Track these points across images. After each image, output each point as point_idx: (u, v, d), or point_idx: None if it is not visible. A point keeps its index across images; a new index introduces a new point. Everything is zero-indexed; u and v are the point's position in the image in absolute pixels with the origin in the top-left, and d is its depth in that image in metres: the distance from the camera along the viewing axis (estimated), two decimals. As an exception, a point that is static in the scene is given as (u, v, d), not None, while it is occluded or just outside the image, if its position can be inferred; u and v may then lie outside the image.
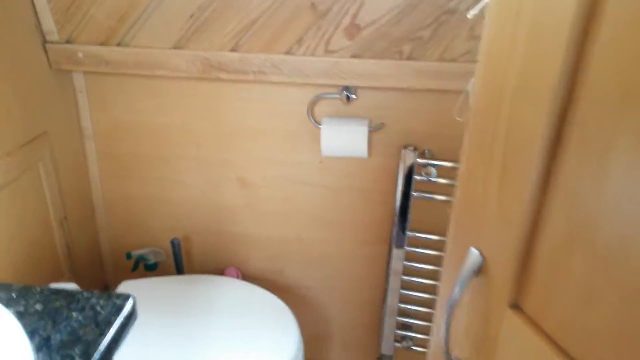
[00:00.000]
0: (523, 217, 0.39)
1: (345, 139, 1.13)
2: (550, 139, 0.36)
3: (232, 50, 1.08)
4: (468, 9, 0.99)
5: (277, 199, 1.28)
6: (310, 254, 1.33)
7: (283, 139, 1.21)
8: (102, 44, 1.11)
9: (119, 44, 1.11)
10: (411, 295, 1.27)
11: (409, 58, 1.05)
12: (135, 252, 1.38)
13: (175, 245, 1.31)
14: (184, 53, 1.09)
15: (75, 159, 1.24)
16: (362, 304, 1.38)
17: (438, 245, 1.22)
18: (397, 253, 1.23)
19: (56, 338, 0.53)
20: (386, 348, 1.36)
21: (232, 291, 1.19)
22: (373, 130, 1.16)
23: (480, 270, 0.45)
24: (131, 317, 0.58)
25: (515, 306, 0.43)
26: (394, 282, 1.27)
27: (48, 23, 1.08)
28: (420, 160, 1.14)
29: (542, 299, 0.40)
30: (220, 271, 1.39)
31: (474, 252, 0.45)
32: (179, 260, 1.34)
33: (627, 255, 0.33)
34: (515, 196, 0.40)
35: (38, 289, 0.60)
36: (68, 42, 1.11)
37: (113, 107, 1.22)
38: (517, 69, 0.38)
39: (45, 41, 1.10)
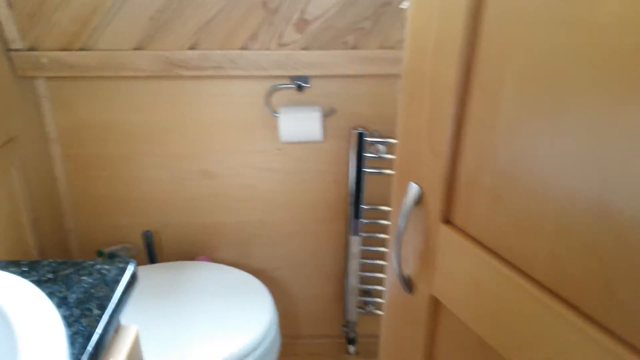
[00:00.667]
0: (447, 151, 0.52)
1: (301, 125, 1.22)
2: (460, 90, 0.49)
3: (191, 48, 1.16)
4: (401, 0, 1.13)
5: (241, 186, 1.34)
6: (274, 235, 1.40)
7: (243, 129, 1.28)
8: (66, 49, 1.15)
9: (82, 48, 1.15)
10: (369, 263, 1.39)
11: (354, 47, 1.17)
12: (106, 250, 1.42)
13: (147, 236, 1.37)
14: (146, 53, 1.15)
15: (42, 162, 1.27)
16: (326, 277, 1.47)
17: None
18: (354, 239, 1.33)
19: (72, 297, 0.61)
20: (350, 316, 1.49)
21: (207, 273, 1.26)
22: (326, 115, 1.28)
23: (419, 200, 0.58)
24: (135, 276, 0.66)
25: (447, 222, 0.56)
26: (353, 264, 1.37)
27: (11, 31, 1.11)
28: (369, 140, 1.27)
29: (466, 212, 0.53)
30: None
31: (413, 185, 0.57)
32: (152, 251, 1.39)
33: (518, 169, 0.46)
34: (441, 136, 0.53)
35: (45, 262, 0.67)
36: (32, 49, 1.14)
37: (77, 110, 1.24)
38: (433, 36, 0.51)
39: (8, 49, 1.13)
